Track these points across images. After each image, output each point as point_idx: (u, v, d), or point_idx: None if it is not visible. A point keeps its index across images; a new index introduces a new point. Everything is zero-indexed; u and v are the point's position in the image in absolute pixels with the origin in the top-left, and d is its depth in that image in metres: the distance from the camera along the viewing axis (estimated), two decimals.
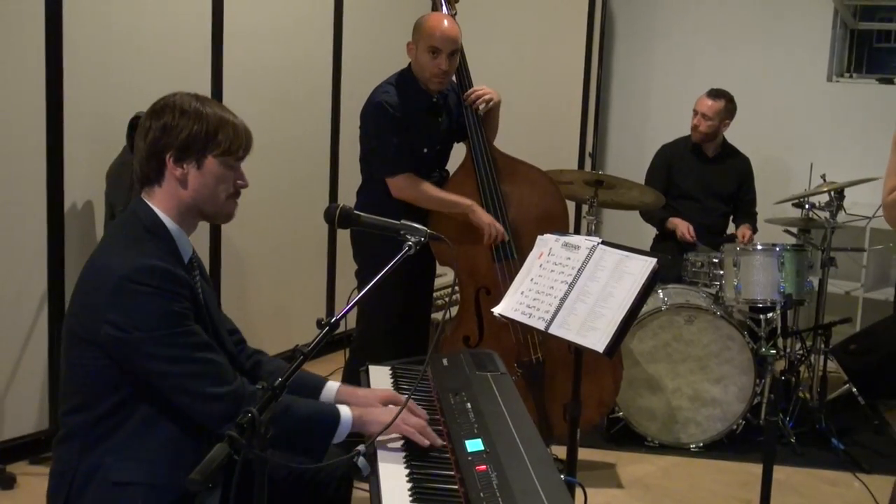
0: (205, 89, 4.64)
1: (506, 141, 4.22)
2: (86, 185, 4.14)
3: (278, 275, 5.31)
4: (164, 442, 2.22)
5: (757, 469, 3.15)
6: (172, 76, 4.39)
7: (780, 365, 4.94)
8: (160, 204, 2.29)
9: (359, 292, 2.33)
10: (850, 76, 6.60)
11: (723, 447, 4.61)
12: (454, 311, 4.29)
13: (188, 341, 2.18)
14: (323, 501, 2.51)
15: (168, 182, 2.28)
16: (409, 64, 4.05)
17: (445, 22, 3.96)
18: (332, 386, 2.54)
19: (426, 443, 2.25)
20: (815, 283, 5.04)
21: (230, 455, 1.73)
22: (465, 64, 4.13)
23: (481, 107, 4.08)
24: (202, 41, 4.67)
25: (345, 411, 2.31)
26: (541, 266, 2.99)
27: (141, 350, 2.14)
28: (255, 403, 1.83)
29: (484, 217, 4.00)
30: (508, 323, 3.47)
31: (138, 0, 4.32)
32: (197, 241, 4.56)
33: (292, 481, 2.48)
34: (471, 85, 4.13)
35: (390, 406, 2.41)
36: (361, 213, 2.38)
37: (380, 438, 2.25)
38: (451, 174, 4.20)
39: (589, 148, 6.69)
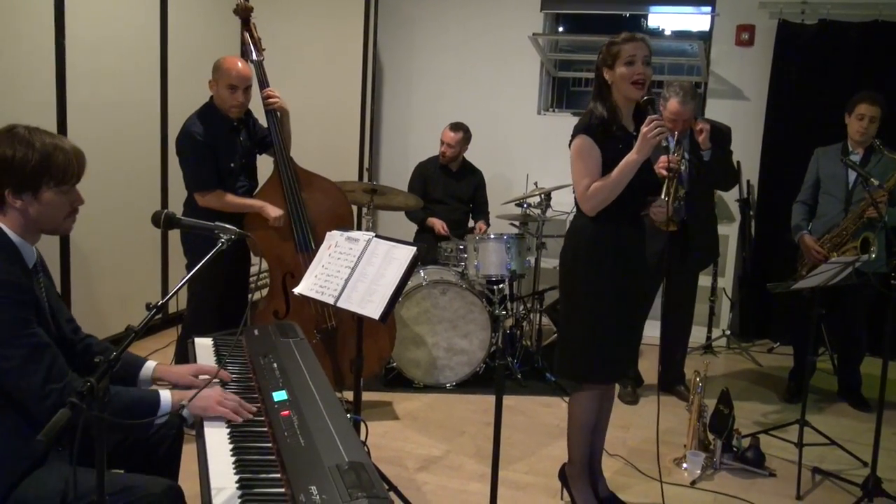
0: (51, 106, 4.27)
1: (305, 159, 4.12)
2: None
3: (120, 269, 4.98)
4: (10, 429, 1.99)
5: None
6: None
7: (509, 322, 5.07)
8: (4, 222, 2.04)
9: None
10: (553, 111, 6.86)
11: (470, 384, 4.69)
12: (266, 291, 4.17)
13: (29, 342, 1.94)
14: (157, 457, 2.32)
15: (9, 209, 2.03)
16: (211, 97, 3.88)
17: (240, 63, 3.82)
18: (150, 365, 2.35)
19: (240, 420, 2.07)
20: (532, 261, 5.23)
21: (71, 418, 1.55)
22: (264, 75, 3.96)
23: (276, 104, 3.92)
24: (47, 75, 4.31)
25: (165, 395, 2.12)
26: (329, 255, 2.94)
27: None
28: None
29: (271, 212, 3.89)
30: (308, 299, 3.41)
31: None
32: (49, 241, 4.25)
33: (129, 445, 2.28)
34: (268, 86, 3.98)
35: (203, 376, 2.26)
36: (182, 217, 2.24)
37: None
38: (260, 185, 4.06)
39: (366, 164, 6.67)
